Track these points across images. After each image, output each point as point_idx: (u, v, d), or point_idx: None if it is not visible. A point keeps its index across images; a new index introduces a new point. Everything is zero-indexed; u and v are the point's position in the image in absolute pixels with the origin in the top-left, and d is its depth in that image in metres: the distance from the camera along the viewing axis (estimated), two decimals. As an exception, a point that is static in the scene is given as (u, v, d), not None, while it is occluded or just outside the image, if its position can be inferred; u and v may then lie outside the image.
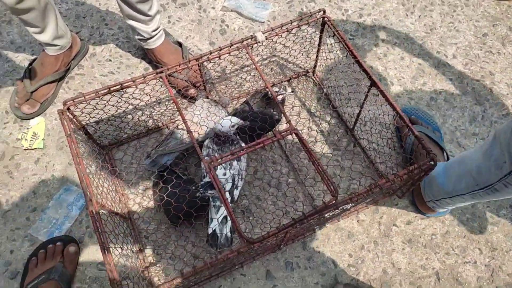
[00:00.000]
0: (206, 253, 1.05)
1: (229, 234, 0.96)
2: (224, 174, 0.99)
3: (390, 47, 1.41)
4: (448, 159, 1.13)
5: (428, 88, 1.33)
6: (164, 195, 0.96)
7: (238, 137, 1.04)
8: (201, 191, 0.97)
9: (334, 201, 0.81)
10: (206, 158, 1.02)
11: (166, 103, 1.23)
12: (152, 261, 1.03)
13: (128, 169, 1.15)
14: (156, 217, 1.09)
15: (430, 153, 0.87)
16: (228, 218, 0.97)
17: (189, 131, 0.89)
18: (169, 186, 0.97)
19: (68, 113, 0.91)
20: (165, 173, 1.02)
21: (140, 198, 1.11)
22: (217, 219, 0.97)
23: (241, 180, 1.03)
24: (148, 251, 1.04)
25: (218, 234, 0.95)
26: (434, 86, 1.34)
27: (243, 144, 1.04)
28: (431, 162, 0.87)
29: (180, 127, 1.07)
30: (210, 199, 0.99)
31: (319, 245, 1.08)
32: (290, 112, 1.26)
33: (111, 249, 0.78)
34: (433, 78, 1.35)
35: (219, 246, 0.95)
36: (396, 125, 1.19)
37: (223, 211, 0.97)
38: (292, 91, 1.26)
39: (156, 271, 1.02)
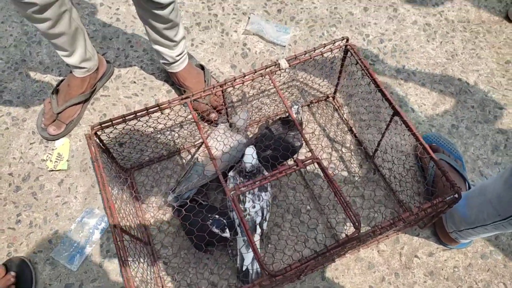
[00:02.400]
0: (224, 281, 1.04)
1: (259, 269, 0.96)
2: (254, 207, 1.00)
3: (411, 73, 1.41)
4: (469, 188, 1.11)
5: (450, 115, 1.32)
6: (186, 224, 0.97)
7: (263, 167, 1.04)
8: (213, 227, 0.98)
9: (357, 234, 0.80)
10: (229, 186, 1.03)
11: (188, 126, 1.25)
12: (171, 287, 1.03)
13: (149, 193, 1.16)
14: (176, 242, 1.09)
15: (455, 186, 0.86)
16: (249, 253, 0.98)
17: (212, 159, 0.90)
18: (191, 214, 0.97)
19: (95, 137, 0.93)
20: (187, 201, 1.03)
21: (159, 223, 1.12)
22: (248, 254, 0.97)
23: (268, 212, 1.04)
24: (167, 277, 1.05)
25: (250, 270, 0.95)
26: (456, 113, 1.33)
27: (267, 173, 1.05)
28: (455, 196, 0.86)
29: (200, 160, 1.09)
30: (238, 232, 0.99)
31: (339, 276, 1.07)
32: (310, 137, 1.26)
33: (132, 276, 0.78)
34: (454, 105, 1.34)
35: (250, 281, 0.95)
36: (418, 155, 1.18)
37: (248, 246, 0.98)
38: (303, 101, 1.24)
39: (175, 296, 1.02)
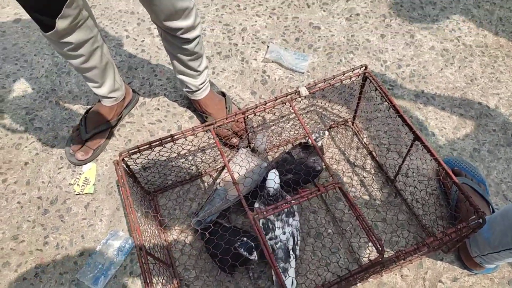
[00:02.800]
0: (246, 304, 1.05)
1: None
2: (284, 233, 1.01)
3: (430, 98, 1.42)
4: (494, 212, 1.09)
5: (471, 139, 1.32)
6: (210, 247, 0.98)
7: (285, 192, 1.06)
8: (241, 250, 0.99)
9: (381, 259, 0.80)
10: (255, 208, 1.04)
11: (209, 151, 1.28)
12: (193, 310, 1.04)
13: (171, 215, 1.19)
14: (198, 264, 1.10)
15: (479, 211, 0.85)
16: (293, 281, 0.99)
17: (234, 183, 0.92)
18: (215, 238, 0.99)
19: (122, 163, 0.97)
20: (210, 224, 1.05)
21: (182, 245, 1.14)
22: (288, 280, 0.98)
23: (299, 236, 1.05)
24: (189, 299, 1.05)
25: None
26: (477, 137, 1.32)
27: (289, 197, 1.06)
28: (479, 220, 0.85)
29: (222, 184, 1.11)
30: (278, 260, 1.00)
31: (361, 301, 1.05)
32: (330, 161, 1.27)
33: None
34: (475, 129, 1.34)
35: None
36: (441, 180, 1.17)
37: (286, 273, 0.99)
38: (327, 134, 1.26)
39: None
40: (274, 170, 0.99)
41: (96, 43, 1.10)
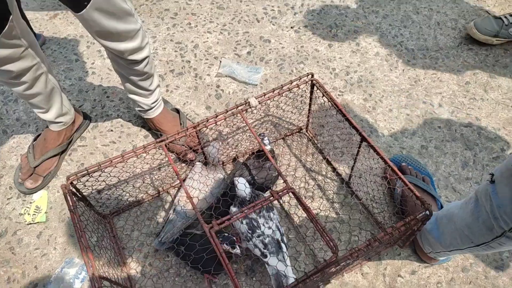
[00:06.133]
0: (211, 320, 1.03)
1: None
2: (269, 228, 1.01)
3: (378, 101, 1.47)
4: (441, 207, 1.14)
5: (418, 137, 1.38)
6: (191, 255, 0.98)
7: (257, 191, 1.07)
8: (224, 245, 0.99)
9: (335, 258, 0.81)
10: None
11: (165, 168, 1.27)
12: (156, 332, 1.01)
13: (129, 237, 1.16)
14: (158, 284, 1.08)
15: (425, 203, 0.89)
16: (287, 269, 0.98)
17: (189, 197, 0.91)
18: (196, 244, 0.99)
19: (71, 187, 0.94)
20: (180, 237, 1.04)
21: (141, 266, 1.11)
22: (288, 268, 0.98)
23: (282, 227, 1.06)
24: (152, 321, 1.03)
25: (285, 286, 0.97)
26: (424, 134, 1.38)
27: (264, 195, 1.08)
28: (426, 212, 0.89)
29: (180, 202, 1.10)
30: (268, 255, 1.00)
31: (326, 304, 1.06)
32: (287, 169, 1.29)
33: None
34: (422, 127, 1.40)
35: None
36: (388, 177, 1.22)
37: (282, 263, 0.99)
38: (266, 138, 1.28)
39: None
40: (237, 178, 1.00)
41: (39, 70, 1.08)
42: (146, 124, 1.39)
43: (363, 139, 1.01)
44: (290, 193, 0.91)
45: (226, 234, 1.02)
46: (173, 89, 1.53)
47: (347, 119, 1.04)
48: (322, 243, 1.14)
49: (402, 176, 0.91)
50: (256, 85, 1.53)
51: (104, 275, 0.86)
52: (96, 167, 0.96)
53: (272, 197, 0.89)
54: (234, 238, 1.01)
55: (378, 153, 0.97)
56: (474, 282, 1.09)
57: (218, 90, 1.52)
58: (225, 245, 1.00)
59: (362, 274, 1.11)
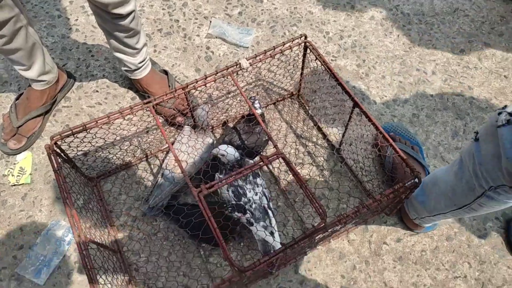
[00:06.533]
0: (195, 281, 1.04)
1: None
2: (256, 194, 1.01)
3: (371, 67, 1.45)
4: (429, 173, 1.15)
5: (410, 105, 1.36)
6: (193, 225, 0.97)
7: (246, 157, 1.05)
8: (234, 213, 0.99)
9: (323, 224, 0.81)
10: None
11: (154, 132, 1.24)
12: (144, 293, 1.02)
13: (117, 201, 1.15)
14: (146, 248, 1.08)
15: (415, 171, 0.89)
16: (275, 234, 0.99)
17: (177, 161, 0.90)
18: (193, 218, 0.97)
19: (55, 148, 0.91)
20: (184, 208, 1.03)
21: (129, 230, 1.11)
22: (271, 237, 0.98)
23: (269, 193, 1.06)
24: (139, 283, 1.03)
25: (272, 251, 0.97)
26: (416, 102, 1.37)
27: (251, 161, 1.06)
28: (415, 180, 0.89)
29: (168, 166, 1.08)
30: (253, 221, 0.99)
31: (311, 268, 1.08)
32: (277, 135, 1.28)
33: (100, 285, 0.77)
34: (414, 95, 1.39)
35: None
36: (378, 144, 1.21)
37: (266, 231, 0.99)
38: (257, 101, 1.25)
39: (149, 303, 1.01)
40: (220, 146, 0.99)
41: (18, 23, 1.02)
42: (133, 86, 1.34)
43: (356, 104, 0.99)
44: (280, 159, 0.90)
45: (234, 202, 1.00)
46: (161, 49, 1.47)
47: (340, 84, 1.01)
48: (310, 210, 1.15)
49: (393, 143, 0.90)
50: (247, 47, 1.48)
51: (91, 238, 0.85)
52: (81, 127, 0.92)
53: (262, 162, 0.88)
54: (242, 203, 1.00)
55: (370, 119, 0.95)
56: (457, 250, 1.12)
57: (208, 52, 1.47)
58: (236, 213, 0.99)
59: (348, 241, 1.12)
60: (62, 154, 0.95)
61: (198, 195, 0.84)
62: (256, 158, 1.19)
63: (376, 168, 1.22)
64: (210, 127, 1.22)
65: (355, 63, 1.45)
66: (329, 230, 0.84)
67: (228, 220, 0.98)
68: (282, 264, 1.04)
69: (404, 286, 1.07)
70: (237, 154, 1.00)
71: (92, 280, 0.75)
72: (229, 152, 0.99)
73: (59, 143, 0.93)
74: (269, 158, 0.89)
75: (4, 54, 1.06)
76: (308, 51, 1.09)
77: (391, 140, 0.91)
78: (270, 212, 1.02)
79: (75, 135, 0.93)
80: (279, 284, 1.06)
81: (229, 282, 0.77)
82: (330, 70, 1.02)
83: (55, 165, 0.87)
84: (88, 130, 0.94)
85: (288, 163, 0.89)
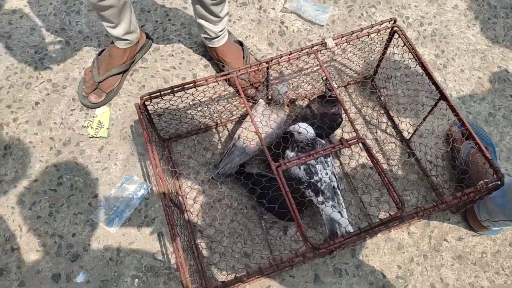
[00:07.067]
0: (257, 252, 1.08)
1: (349, 228, 0.97)
2: (326, 174, 1.02)
3: (450, 59, 1.39)
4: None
5: (487, 103, 1.31)
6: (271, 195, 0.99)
7: (319, 138, 1.06)
8: (308, 191, 1.01)
9: (400, 214, 0.81)
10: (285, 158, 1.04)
11: (224, 102, 1.26)
12: (205, 255, 1.07)
13: (185, 164, 1.19)
14: (210, 213, 1.12)
15: (498, 172, 0.86)
16: (344, 214, 1.00)
17: (258, 133, 0.91)
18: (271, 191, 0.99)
19: (143, 107, 0.95)
20: (261, 179, 1.05)
21: (195, 193, 1.15)
22: (342, 219, 0.99)
23: (337, 173, 1.07)
24: (203, 245, 1.08)
25: (338, 231, 0.99)
26: (493, 101, 1.31)
27: (323, 141, 1.07)
28: (498, 182, 0.86)
29: (240, 137, 1.10)
30: (320, 203, 1.01)
31: (369, 254, 1.09)
32: (345, 119, 1.26)
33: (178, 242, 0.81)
34: (492, 93, 1.33)
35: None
36: (454, 138, 1.18)
37: (335, 210, 1.00)
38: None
39: (210, 265, 1.06)
40: (299, 123, 0.99)
41: None
42: (207, 53, 1.36)
43: (443, 97, 0.96)
44: (360, 144, 0.90)
45: (312, 181, 1.01)
46: (235, 19, 1.47)
47: (428, 74, 0.99)
48: (374, 197, 1.15)
49: (478, 141, 0.88)
50: (322, 25, 1.45)
51: (170, 197, 0.89)
52: (168, 89, 0.95)
53: (341, 145, 0.88)
54: (318, 186, 1.01)
55: (457, 114, 0.93)
56: (523, 257, 1.09)
57: (282, 27, 1.45)
58: (309, 191, 1.00)
59: (408, 233, 1.12)
60: (147, 114, 0.99)
61: (277, 169, 0.86)
62: (333, 139, 1.19)
63: (444, 164, 1.19)
64: (286, 104, 1.23)
65: (433, 53, 1.40)
66: (406, 221, 0.84)
67: (303, 197, 0.99)
68: (346, 246, 1.05)
69: (460, 285, 1.06)
70: (313, 134, 1.01)
71: (174, 237, 0.79)
72: (308, 130, 1.00)
73: (147, 103, 0.96)
74: (349, 142, 0.88)
75: (97, 10, 1.09)
76: (396, 36, 1.06)
77: (477, 138, 0.88)
78: (338, 191, 1.03)
79: (162, 97, 0.96)
80: (335, 265, 1.08)
81: (303, 257, 0.79)
82: (419, 59, 0.99)
83: (145, 123, 0.91)
84: (174, 94, 0.97)
85: (368, 148, 0.89)
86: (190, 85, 0.96)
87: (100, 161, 1.20)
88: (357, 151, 1.19)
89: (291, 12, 1.48)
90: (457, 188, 1.15)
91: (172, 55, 1.38)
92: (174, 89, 0.95)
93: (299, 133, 1.01)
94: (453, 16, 1.48)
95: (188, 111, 1.21)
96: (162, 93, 0.95)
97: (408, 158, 1.21)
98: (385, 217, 0.81)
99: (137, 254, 1.08)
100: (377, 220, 0.82)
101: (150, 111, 1.02)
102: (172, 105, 1.05)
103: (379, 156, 1.21)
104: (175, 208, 0.98)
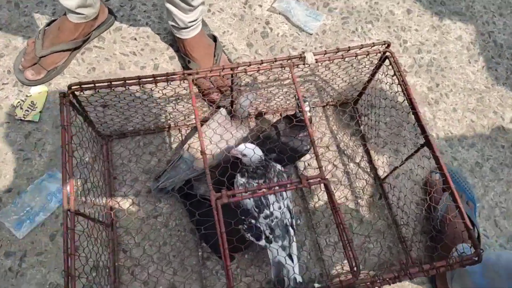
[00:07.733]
0: (187, 286, 0.92)
1: (298, 277, 0.83)
2: (279, 208, 0.86)
3: (444, 94, 1.25)
4: (479, 236, 0.98)
5: (476, 151, 1.18)
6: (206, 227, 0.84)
7: (272, 162, 0.90)
8: (248, 235, 0.86)
9: (353, 281, 0.67)
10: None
11: (183, 103, 1.09)
12: (124, 280, 0.91)
13: (124, 167, 1.02)
14: (142, 230, 0.96)
15: (477, 248, 0.72)
16: (294, 259, 0.85)
17: (202, 153, 0.75)
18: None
19: (71, 98, 0.78)
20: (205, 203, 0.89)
21: (129, 204, 0.98)
22: (289, 265, 0.84)
23: (293, 208, 0.92)
24: (124, 268, 0.92)
25: (286, 279, 0.83)
26: (483, 150, 1.18)
27: (278, 166, 0.90)
28: (475, 259, 0.72)
29: (189, 151, 0.94)
30: (272, 240, 0.86)
31: (316, 305, 0.94)
32: (318, 143, 1.11)
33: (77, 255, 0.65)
34: (483, 141, 1.20)
35: None
36: (430, 190, 1.04)
37: (284, 253, 0.85)
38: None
39: (128, 293, 0.90)
40: (246, 143, 0.83)
41: None
42: (175, 44, 1.19)
43: (427, 144, 0.82)
44: (322, 185, 0.74)
45: (253, 222, 0.86)
46: (216, 10, 1.30)
47: (415, 114, 0.84)
48: (332, 241, 1.00)
49: (463, 209, 0.73)
50: (311, 34, 1.29)
51: (79, 211, 0.73)
52: (106, 82, 0.78)
53: (300, 184, 0.73)
54: (262, 228, 0.85)
55: (440, 168, 0.78)
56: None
57: (266, 28, 1.29)
58: (249, 235, 0.85)
59: None
60: (78, 105, 0.82)
61: (216, 202, 0.70)
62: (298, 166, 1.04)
63: (417, 213, 1.05)
64: (249, 119, 1.07)
65: (426, 85, 1.26)
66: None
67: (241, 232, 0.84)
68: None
69: None
70: (260, 156, 0.85)
71: (67, 247, 0.63)
72: (256, 152, 0.84)
73: (77, 93, 0.79)
74: (310, 181, 0.73)
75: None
76: (387, 62, 0.91)
77: (461, 205, 0.74)
78: (291, 230, 0.87)
79: (97, 90, 0.78)
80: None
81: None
82: (408, 95, 0.84)
83: (65, 120, 0.74)
84: (113, 88, 0.79)
85: (329, 192, 0.74)
86: (134, 81, 0.79)
87: (24, 150, 1.02)
88: (320, 191, 1.04)
89: (279, 13, 1.31)
90: (428, 245, 1.01)
91: (135, 39, 1.20)
92: (113, 83, 0.78)
93: (244, 155, 0.85)
94: (455, 47, 1.34)
95: (138, 106, 1.04)
96: (96, 85, 0.77)
97: (379, 199, 1.07)
98: (339, 269, 0.67)
99: (43, 268, 0.91)
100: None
101: (93, 99, 0.84)
102: (116, 96, 0.88)
103: (347, 192, 1.06)
104: (95, 223, 0.82)
